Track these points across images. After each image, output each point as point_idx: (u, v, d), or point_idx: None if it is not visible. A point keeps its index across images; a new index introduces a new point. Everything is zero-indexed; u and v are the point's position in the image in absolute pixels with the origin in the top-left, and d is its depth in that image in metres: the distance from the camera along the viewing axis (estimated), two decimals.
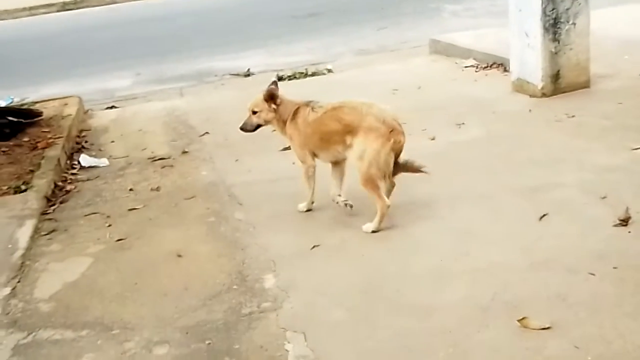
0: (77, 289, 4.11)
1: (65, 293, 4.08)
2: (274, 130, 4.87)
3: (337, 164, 4.56)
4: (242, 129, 4.70)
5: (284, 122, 4.57)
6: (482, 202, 4.56)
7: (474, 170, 5.08)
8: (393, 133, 4.17)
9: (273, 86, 4.55)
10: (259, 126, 4.67)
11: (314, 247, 4.24)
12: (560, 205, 4.37)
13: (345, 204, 4.56)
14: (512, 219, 4.27)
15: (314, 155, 4.55)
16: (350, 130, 4.23)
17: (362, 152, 4.19)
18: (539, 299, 3.39)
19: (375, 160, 4.17)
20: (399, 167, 4.36)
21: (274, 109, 4.55)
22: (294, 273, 3.96)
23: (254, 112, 4.61)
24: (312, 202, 4.73)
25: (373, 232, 4.31)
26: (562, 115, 5.97)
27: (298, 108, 4.51)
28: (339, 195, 4.59)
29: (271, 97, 4.52)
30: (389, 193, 4.43)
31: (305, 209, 4.77)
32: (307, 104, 4.53)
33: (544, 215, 4.24)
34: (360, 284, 3.75)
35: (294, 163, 5.29)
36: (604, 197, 4.37)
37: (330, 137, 4.35)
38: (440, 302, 3.48)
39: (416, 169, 4.47)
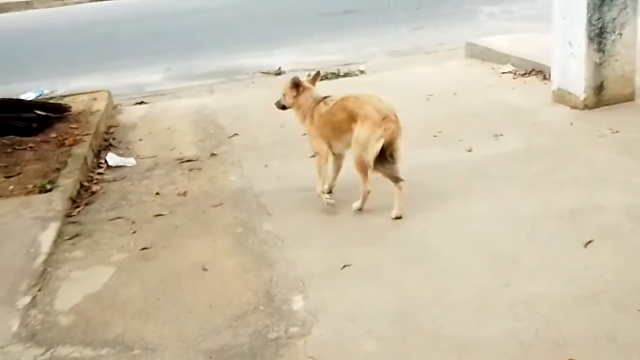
0: (98, 302, 3.96)
1: (86, 305, 3.94)
2: (304, 134, 5.08)
3: (339, 156, 4.92)
4: (275, 104, 5.12)
5: (304, 116, 4.91)
6: (523, 224, 4.34)
7: (514, 187, 4.86)
8: (385, 121, 4.40)
9: (311, 77, 5.05)
10: (284, 107, 5.06)
11: (344, 266, 4.05)
12: (606, 231, 4.15)
13: (327, 202, 4.81)
14: (555, 245, 4.05)
15: (329, 146, 4.82)
16: (353, 117, 4.52)
17: (357, 137, 4.49)
18: (585, 338, 3.18)
19: (364, 145, 4.44)
20: (391, 157, 4.50)
21: (294, 96, 4.91)
22: (323, 295, 3.77)
23: (283, 95, 5.00)
24: (325, 188, 4.91)
25: (359, 210, 4.69)
26: (605, 130, 5.72)
27: (315, 105, 4.82)
28: (330, 192, 4.93)
29: (294, 85, 4.90)
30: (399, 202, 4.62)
31: (324, 196, 4.84)
32: (323, 99, 4.84)
33: (589, 242, 4.02)
34: (393, 311, 3.55)
35: None
36: None
37: (340, 125, 4.64)
38: (480, 337, 3.27)
39: (393, 179, 4.59)
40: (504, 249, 4.08)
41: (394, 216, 4.57)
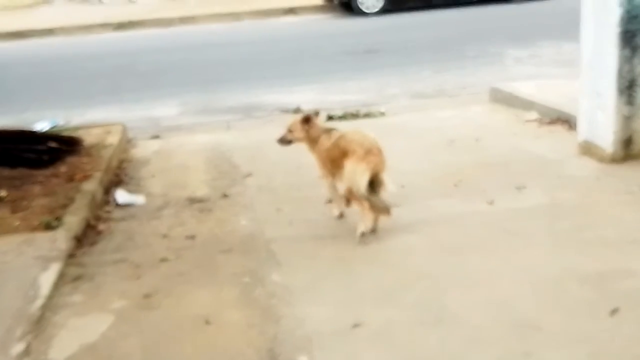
0: (94, 353, 3.76)
1: (82, 357, 3.73)
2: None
3: None
4: (278, 141, 5.38)
5: (313, 142, 5.20)
6: (546, 287, 4.10)
7: (537, 246, 4.63)
8: (368, 154, 4.73)
9: (310, 114, 5.31)
10: (291, 142, 5.35)
11: (355, 326, 3.82)
12: (633, 298, 3.89)
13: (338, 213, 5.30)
14: (579, 312, 3.80)
15: (332, 174, 5.14)
16: (344, 154, 4.84)
17: (345, 171, 4.82)
18: None
19: (351, 178, 4.75)
20: (377, 187, 4.82)
21: (306, 130, 5.20)
22: (331, 357, 3.55)
23: (290, 131, 5.29)
24: (340, 211, 5.33)
25: (362, 233, 4.84)
26: (634, 186, 5.48)
27: (321, 135, 5.15)
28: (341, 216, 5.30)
29: (306, 120, 5.21)
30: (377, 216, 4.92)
31: (337, 214, 5.33)
32: (328, 131, 5.18)
33: (615, 310, 3.77)
34: None
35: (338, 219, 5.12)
36: None
37: (335, 160, 4.97)
38: None
39: (381, 210, 4.85)
40: (526, 314, 3.84)
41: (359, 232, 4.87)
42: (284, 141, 5.35)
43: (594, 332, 3.62)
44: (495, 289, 4.13)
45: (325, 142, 5.09)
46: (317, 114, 5.38)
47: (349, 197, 4.93)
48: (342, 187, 5.07)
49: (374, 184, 4.77)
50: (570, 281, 4.15)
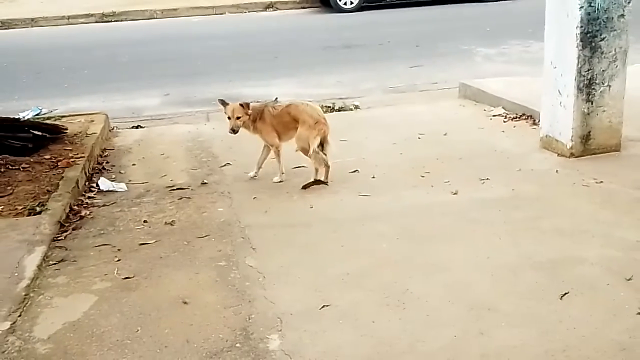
0: (77, 331, 3.99)
1: (65, 334, 3.96)
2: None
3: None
4: (231, 131, 6.14)
5: (253, 122, 6.15)
6: (503, 272, 4.39)
7: (496, 235, 4.92)
8: (317, 124, 5.98)
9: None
10: (239, 127, 6.16)
11: (323, 306, 4.10)
12: (583, 284, 4.20)
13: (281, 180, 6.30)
14: (531, 296, 4.10)
15: (279, 137, 6.22)
16: (295, 120, 6.03)
17: (298, 135, 6.03)
18: None
19: (304, 140, 5.99)
20: (324, 148, 6.08)
21: (247, 112, 6.11)
22: (300, 335, 3.82)
23: (238, 117, 6.09)
24: (283, 174, 6.30)
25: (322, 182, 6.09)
26: (590, 179, 5.80)
27: (263, 110, 6.16)
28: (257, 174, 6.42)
29: (246, 104, 6.13)
30: (326, 174, 6.13)
31: (279, 180, 6.27)
32: (267, 105, 6.23)
33: (565, 294, 4.08)
34: (368, 357, 3.58)
35: (311, 207, 5.49)
36: (630, 279, 4.20)
37: (286, 125, 6.13)
38: None
39: (324, 163, 6.08)
40: (482, 297, 4.13)
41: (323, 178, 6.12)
42: (235, 129, 6.12)
43: (544, 314, 3.92)
44: (456, 274, 4.42)
45: (272, 111, 6.13)
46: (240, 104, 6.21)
47: (302, 152, 6.06)
48: (284, 141, 6.26)
49: (322, 145, 6.00)
50: (526, 267, 4.45)
